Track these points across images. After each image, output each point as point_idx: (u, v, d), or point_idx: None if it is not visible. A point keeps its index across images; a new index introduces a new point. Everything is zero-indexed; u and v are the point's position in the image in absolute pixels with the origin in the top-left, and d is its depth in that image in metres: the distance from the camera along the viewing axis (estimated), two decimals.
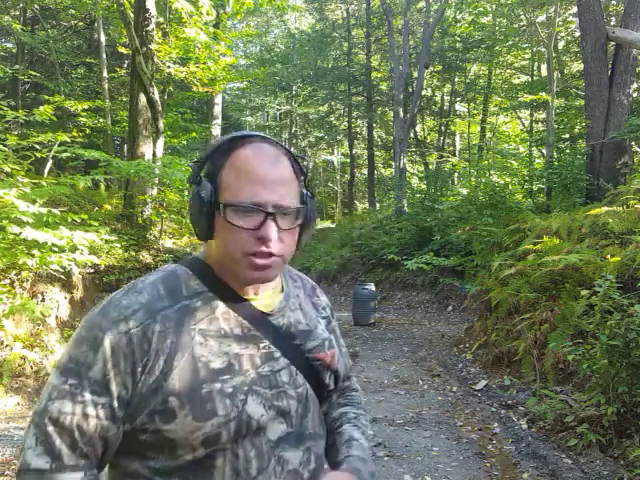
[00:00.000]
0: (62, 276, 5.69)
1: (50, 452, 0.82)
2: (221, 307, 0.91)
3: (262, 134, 0.93)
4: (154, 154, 8.73)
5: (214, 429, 0.84)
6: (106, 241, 6.22)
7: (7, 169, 5.75)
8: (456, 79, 20.49)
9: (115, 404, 0.83)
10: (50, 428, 0.82)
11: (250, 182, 0.86)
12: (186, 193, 10.33)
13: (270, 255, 0.88)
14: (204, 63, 10.12)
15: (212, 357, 0.87)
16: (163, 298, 0.88)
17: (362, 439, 1.06)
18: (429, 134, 23.79)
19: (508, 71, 19.51)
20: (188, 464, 0.86)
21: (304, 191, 0.96)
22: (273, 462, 0.89)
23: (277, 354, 0.94)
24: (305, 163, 0.97)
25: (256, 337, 0.92)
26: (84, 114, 11.48)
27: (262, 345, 0.93)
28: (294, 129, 26.72)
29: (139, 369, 0.83)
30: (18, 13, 15.64)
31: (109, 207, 9.51)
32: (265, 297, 0.97)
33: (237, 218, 0.87)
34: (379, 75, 22.67)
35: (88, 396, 0.82)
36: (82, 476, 0.82)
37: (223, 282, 0.93)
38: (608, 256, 4.95)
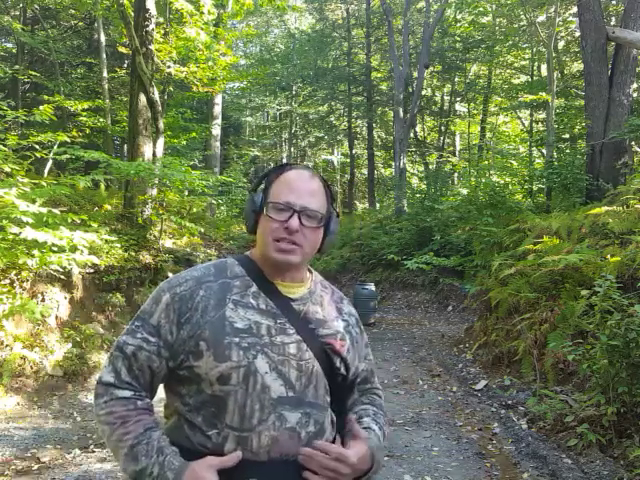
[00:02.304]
0: (62, 276, 5.69)
1: (114, 371, 1.15)
2: (254, 288, 1.20)
3: (307, 165, 1.29)
4: (154, 154, 8.71)
5: (227, 370, 1.10)
6: (106, 241, 6.21)
7: (7, 169, 5.75)
8: (456, 79, 20.48)
9: (161, 344, 1.14)
10: (116, 353, 1.16)
11: (287, 189, 1.20)
12: (186, 193, 10.36)
13: (292, 243, 1.17)
14: (204, 63, 10.11)
15: (237, 319, 1.15)
16: (211, 275, 1.21)
17: (378, 431, 1.28)
18: (429, 134, 23.77)
19: (508, 71, 19.50)
20: (209, 401, 1.12)
21: (331, 210, 1.26)
22: (273, 417, 1.12)
23: (291, 331, 1.18)
24: (334, 191, 1.38)
25: (276, 314, 1.19)
26: (84, 114, 11.47)
27: (279, 321, 1.18)
28: (294, 129, 26.70)
29: (182, 320, 1.14)
30: (18, 13, 15.63)
31: (109, 207, 9.50)
32: (291, 287, 1.24)
33: (273, 212, 1.19)
34: (379, 75, 22.66)
35: (145, 335, 1.15)
36: (132, 394, 1.14)
37: (260, 271, 1.23)
38: (608, 256, 4.95)
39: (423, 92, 19.69)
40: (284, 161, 27.50)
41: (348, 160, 24.99)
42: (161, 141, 9.04)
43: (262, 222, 1.22)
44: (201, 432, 1.12)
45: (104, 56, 13.51)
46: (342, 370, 1.25)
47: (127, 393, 1.13)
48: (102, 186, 9.96)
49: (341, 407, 1.27)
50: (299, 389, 1.16)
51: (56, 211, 4.98)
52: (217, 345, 1.11)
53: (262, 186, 1.26)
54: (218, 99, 16.31)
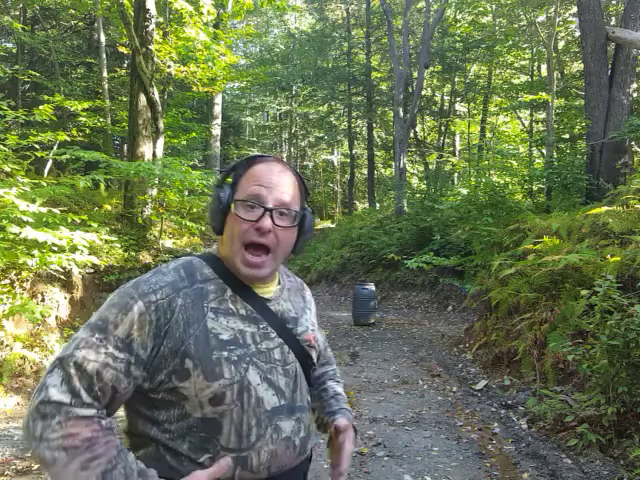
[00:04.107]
0: (62, 276, 5.69)
1: (71, 390, 0.94)
2: (229, 291, 1.09)
3: (278, 157, 1.17)
4: (154, 154, 8.72)
5: (220, 389, 1.00)
6: (106, 241, 6.22)
7: (7, 169, 5.75)
8: (456, 79, 20.48)
9: (132, 361, 0.98)
10: (73, 371, 0.95)
11: (257, 185, 1.08)
12: (186, 193, 10.36)
13: (262, 248, 1.08)
14: (204, 63, 10.13)
15: (221, 330, 1.04)
16: (184, 279, 1.06)
17: (342, 392, 1.36)
18: (429, 134, 23.78)
19: (508, 71, 19.51)
20: (198, 425, 1.01)
21: (305, 206, 1.17)
22: (270, 430, 1.05)
23: (273, 334, 1.11)
24: (309, 186, 1.21)
25: (257, 318, 1.10)
26: (84, 114, 11.48)
27: (261, 326, 1.10)
28: (294, 129, 26.72)
29: (162, 334, 0.99)
30: (18, 13, 15.64)
31: (109, 207, 9.51)
32: (265, 287, 1.16)
33: (242, 211, 1.07)
34: (379, 75, 22.67)
35: (111, 349, 0.97)
36: (95, 412, 0.95)
37: (230, 272, 1.11)
38: (608, 256, 4.95)
39: (423, 92, 19.70)
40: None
41: (348, 160, 25.00)
42: (161, 141, 9.05)
43: (230, 222, 1.09)
44: (190, 460, 1.00)
45: (104, 56, 13.53)
46: (316, 360, 1.24)
47: (89, 411, 0.94)
48: (102, 186, 9.98)
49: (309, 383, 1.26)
50: (289, 395, 1.11)
51: (56, 211, 4.98)
52: (205, 362, 1.00)
53: (230, 179, 1.14)
54: (218, 99, 16.32)
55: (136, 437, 1.05)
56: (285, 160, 1.18)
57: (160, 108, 8.96)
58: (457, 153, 21.88)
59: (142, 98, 8.55)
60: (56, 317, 5.69)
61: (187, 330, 1.01)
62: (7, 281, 5.18)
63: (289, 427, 1.08)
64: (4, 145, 5.82)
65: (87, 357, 0.96)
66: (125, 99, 14.46)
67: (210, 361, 1.00)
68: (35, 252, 4.82)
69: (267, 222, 1.06)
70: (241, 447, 1.02)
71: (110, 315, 1.00)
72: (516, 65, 18.60)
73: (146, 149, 8.62)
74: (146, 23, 8.47)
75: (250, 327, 1.08)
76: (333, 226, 20.57)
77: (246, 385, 1.03)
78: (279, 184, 1.09)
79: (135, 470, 0.94)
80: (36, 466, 3.56)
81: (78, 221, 5.39)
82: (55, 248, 4.89)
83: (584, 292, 4.26)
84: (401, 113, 15.57)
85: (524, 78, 18.70)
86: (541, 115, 17.12)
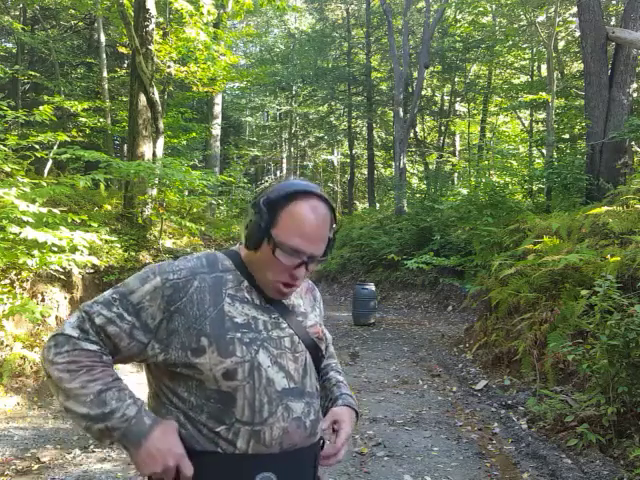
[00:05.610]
0: (62, 276, 5.69)
1: (81, 329, 1.12)
2: (245, 283, 1.21)
3: (320, 191, 1.19)
4: (154, 154, 8.72)
5: (232, 365, 1.11)
6: (106, 241, 6.21)
7: (7, 169, 5.75)
8: (456, 79, 20.47)
9: (137, 325, 1.12)
10: (85, 316, 1.13)
11: (299, 234, 1.14)
12: (186, 193, 10.36)
13: (293, 286, 1.20)
14: (204, 63, 10.12)
15: (236, 314, 1.16)
16: (204, 266, 1.20)
17: (344, 381, 1.48)
18: (429, 134, 23.78)
19: (508, 71, 19.50)
20: (214, 397, 1.12)
21: (330, 236, 1.22)
22: (281, 408, 1.15)
23: (284, 325, 1.22)
24: (337, 215, 1.26)
25: (269, 309, 1.22)
26: (84, 114, 11.48)
27: (273, 316, 1.22)
28: (294, 129, 26.69)
29: (171, 309, 1.12)
30: (18, 13, 15.64)
31: (109, 207, 9.51)
32: None
33: (282, 255, 1.15)
34: (379, 75, 22.66)
35: (121, 310, 1.12)
36: (98, 348, 1.12)
37: (247, 269, 1.23)
38: (608, 256, 4.95)
39: (423, 92, 19.69)
40: (284, 162, 27.54)
41: (348, 160, 25.00)
42: (161, 141, 9.04)
43: (266, 252, 1.16)
44: (208, 429, 1.12)
45: (104, 56, 13.53)
46: (324, 352, 1.36)
47: (93, 347, 1.11)
48: (102, 186, 9.97)
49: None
50: (298, 380, 1.20)
51: (56, 211, 4.98)
52: (220, 341, 1.11)
53: (267, 204, 1.15)
54: (218, 99, 16.32)
55: (161, 407, 1.17)
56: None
57: (160, 108, 8.95)
58: (457, 153, 21.88)
59: (142, 98, 8.54)
60: (56, 317, 5.68)
61: (202, 311, 1.13)
62: (7, 281, 5.18)
63: (299, 408, 1.18)
64: (4, 145, 5.82)
65: (100, 311, 1.12)
66: (125, 99, 14.46)
67: (224, 340, 1.11)
68: (35, 252, 4.81)
69: (302, 272, 1.18)
70: (254, 421, 1.12)
71: (131, 283, 1.16)
72: (516, 65, 18.59)
73: (146, 149, 8.62)
74: (146, 23, 8.46)
75: (262, 315, 1.19)
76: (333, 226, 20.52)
77: (256, 365, 1.13)
78: (319, 235, 1.17)
79: (128, 394, 1.11)
80: (36, 466, 3.56)
81: (78, 221, 5.38)
82: (55, 248, 4.88)
83: (584, 292, 4.25)
84: (401, 113, 15.56)
85: (524, 78, 18.70)
86: (541, 115, 17.12)
